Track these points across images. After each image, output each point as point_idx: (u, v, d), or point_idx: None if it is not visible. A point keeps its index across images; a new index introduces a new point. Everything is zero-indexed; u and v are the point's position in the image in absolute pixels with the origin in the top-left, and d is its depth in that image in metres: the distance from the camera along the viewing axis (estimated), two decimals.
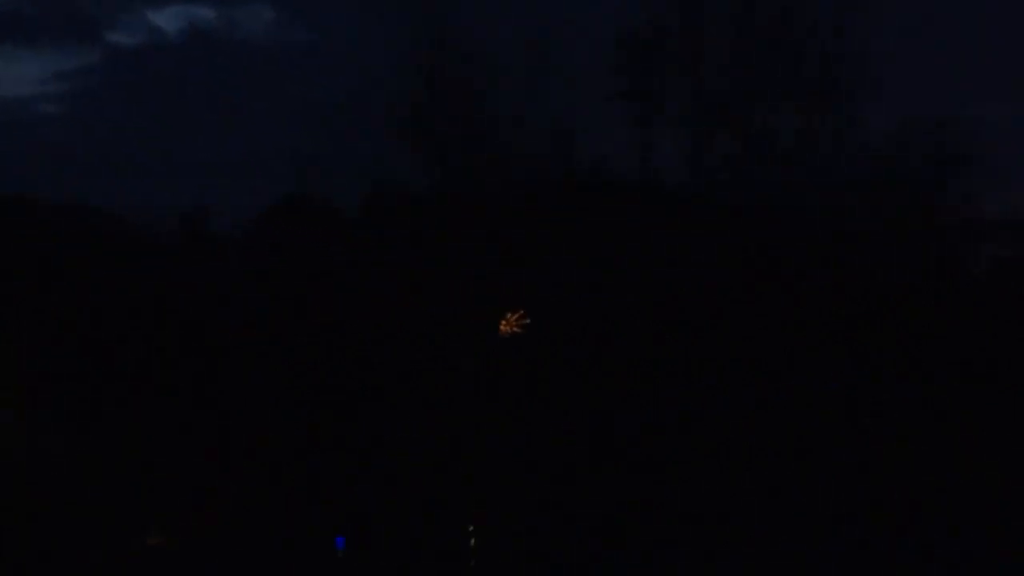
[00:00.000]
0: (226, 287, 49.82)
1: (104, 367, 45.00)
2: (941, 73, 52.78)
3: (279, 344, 46.36)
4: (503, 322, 47.06)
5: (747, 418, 38.95)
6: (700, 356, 42.89)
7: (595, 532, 36.56)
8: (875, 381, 39.34)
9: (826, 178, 49.02)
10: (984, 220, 46.72)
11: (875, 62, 46.95)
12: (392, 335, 45.96)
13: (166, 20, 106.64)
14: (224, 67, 59.25)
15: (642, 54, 49.19)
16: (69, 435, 43.02)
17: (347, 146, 48.79)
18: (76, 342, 45.57)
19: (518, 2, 49.23)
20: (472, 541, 40.48)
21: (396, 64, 48.26)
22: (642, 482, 37.70)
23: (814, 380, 39.55)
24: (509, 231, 47.70)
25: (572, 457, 39.83)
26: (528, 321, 46.94)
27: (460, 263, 47.22)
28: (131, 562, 39.12)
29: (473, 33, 47.71)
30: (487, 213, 48.32)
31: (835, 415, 38.55)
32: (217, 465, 41.88)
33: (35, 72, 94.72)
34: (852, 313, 43.94)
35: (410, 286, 46.95)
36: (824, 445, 37.38)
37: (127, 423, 43.41)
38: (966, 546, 32.12)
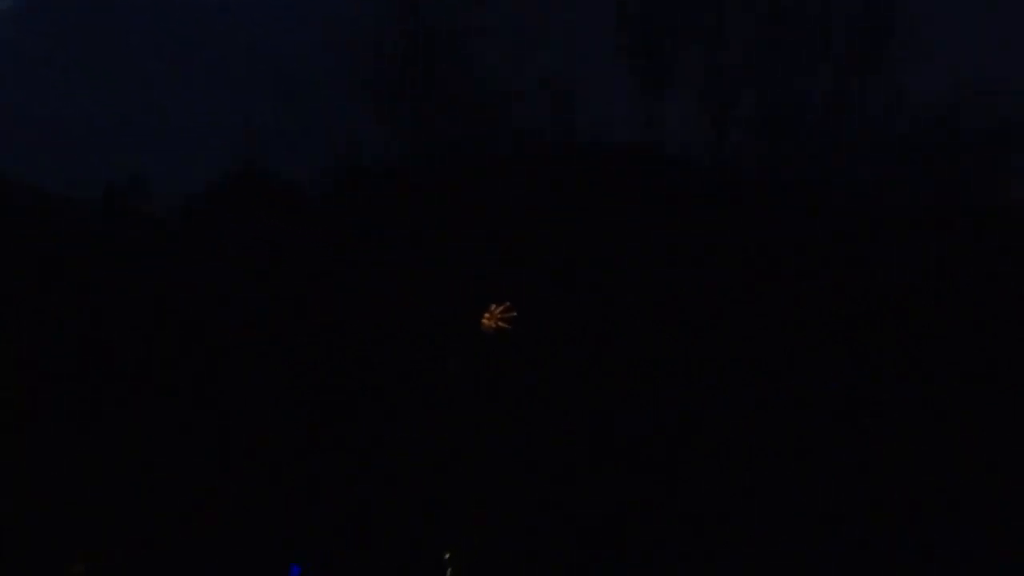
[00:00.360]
0: (162, 272, 50.32)
1: (19, 370, 45.80)
2: (999, 32, 53.02)
3: (226, 339, 47.49)
4: (486, 316, 47.91)
5: (767, 415, 42.49)
6: (716, 348, 45.16)
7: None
8: (907, 375, 43.09)
9: (862, 150, 51.10)
10: None
11: (923, 18, 48.43)
12: (360, 328, 47.31)
13: None
14: (162, 17, 59.12)
15: (651, 5, 50.66)
16: None
17: (307, 112, 50.69)
18: None
19: None
20: (448, 571, 42.52)
21: (367, 15, 48.87)
22: (641, 482, 41.21)
23: (838, 372, 43.53)
24: (494, 210, 49.00)
25: (555, 456, 42.80)
26: (515, 314, 47.69)
27: (438, 248, 48.38)
28: None
29: None
30: (469, 189, 49.50)
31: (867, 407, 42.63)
32: (145, 477, 43.33)
33: None
34: (888, 303, 46.32)
35: (380, 275, 48.41)
36: (847, 441, 41.48)
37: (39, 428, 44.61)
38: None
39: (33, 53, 58.76)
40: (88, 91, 56.83)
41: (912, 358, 43.86)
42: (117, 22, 58.40)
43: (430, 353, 47.13)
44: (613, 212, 49.15)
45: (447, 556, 42.19)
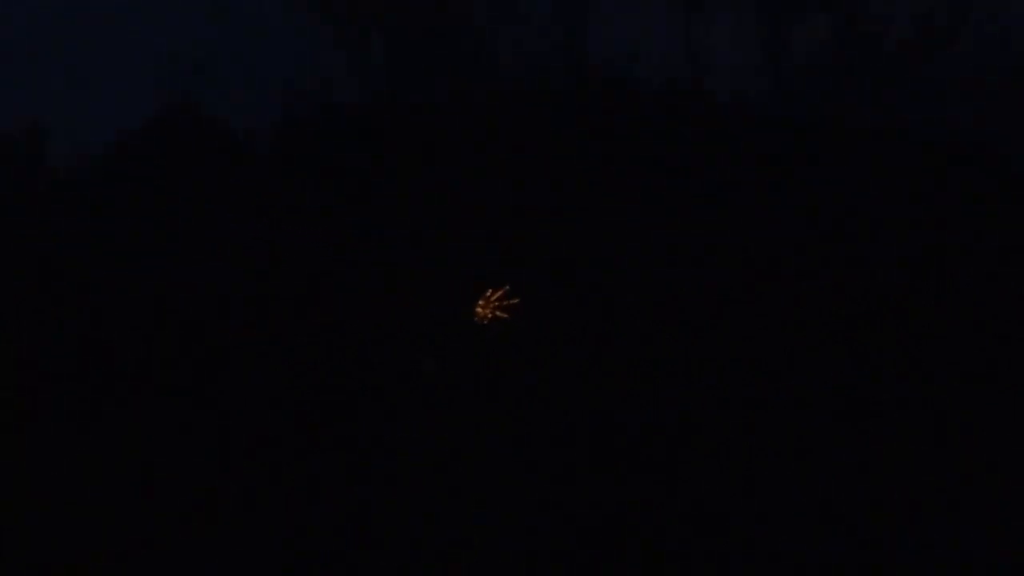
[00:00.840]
0: (73, 242, 47.24)
1: None
2: None
3: (148, 323, 43.04)
4: (480, 303, 45.44)
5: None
6: (768, 339, 41.90)
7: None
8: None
9: (954, 96, 47.41)
10: None
11: None
12: (317, 315, 43.48)
13: None
14: None
15: None
16: None
17: (246, 40, 48.28)
18: None
19: None
20: None
21: None
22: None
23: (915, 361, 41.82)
24: (489, 167, 46.34)
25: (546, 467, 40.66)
26: (517, 301, 45.05)
27: (418, 216, 45.79)
28: None
29: None
30: (458, 141, 46.93)
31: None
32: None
33: None
34: (982, 282, 44.21)
35: (343, 248, 45.54)
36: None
37: None
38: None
39: None
40: None
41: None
42: None
43: (404, 350, 43.96)
44: (639, 170, 45.46)
45: None
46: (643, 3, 48.18)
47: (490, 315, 45.02)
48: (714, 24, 48.69)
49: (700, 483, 41.38)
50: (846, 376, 44.12)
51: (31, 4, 53.33)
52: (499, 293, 45.18)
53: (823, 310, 44.59)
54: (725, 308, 44.02)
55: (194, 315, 45.14)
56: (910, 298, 44.73)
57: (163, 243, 48.01)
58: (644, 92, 48.46)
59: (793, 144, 46.71)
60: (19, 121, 49.45)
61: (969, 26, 47.70)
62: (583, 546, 40.23)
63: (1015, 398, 41.74)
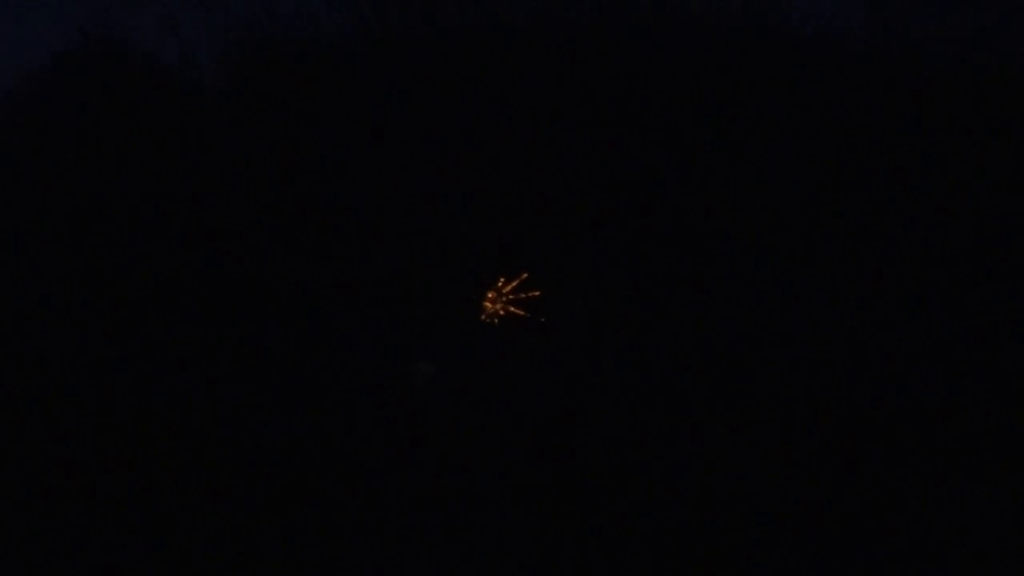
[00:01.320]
0: None
1: None
2: None
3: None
4: (490, 295, 46.05)
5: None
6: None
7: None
8: None
9: None
10: None
11: None
12: (282, 308, 45.37)
13: None
14: None
15: None
16: None
17: None
18: None
19: None
20: None
21: None
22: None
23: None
24: (504, 123, 46.00)
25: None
26: (537, 294, 45.56)
27: (411, 183, 45.51)
28: None
29: None
30: (465, 89, 46.26)
31: None
32: None
33: None
34: None
35: (314, 222, 46.16)
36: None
37: None
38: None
39: None
40: None
41: None
42: None
43: (392, 352, 45.68)
44: (695, 126, 45.50)
45: None
46: None
47: (501, 311, 43.78)
48: None
49: (714, 482, 42.54)
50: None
51: None
52: (513, 284, 43.94)
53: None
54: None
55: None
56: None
57: (79, 201, 44.82)
58: (701, 29, 45.81)
59: (886, 90, 44.35)
60: None
61: None
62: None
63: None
